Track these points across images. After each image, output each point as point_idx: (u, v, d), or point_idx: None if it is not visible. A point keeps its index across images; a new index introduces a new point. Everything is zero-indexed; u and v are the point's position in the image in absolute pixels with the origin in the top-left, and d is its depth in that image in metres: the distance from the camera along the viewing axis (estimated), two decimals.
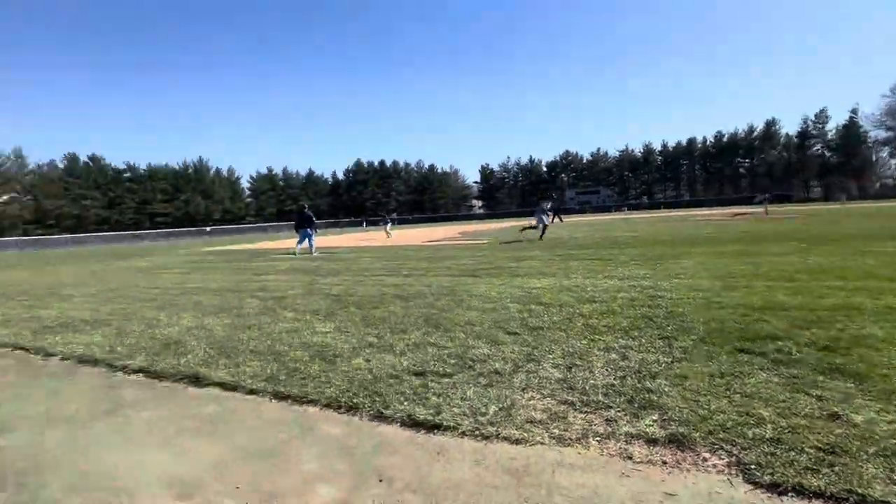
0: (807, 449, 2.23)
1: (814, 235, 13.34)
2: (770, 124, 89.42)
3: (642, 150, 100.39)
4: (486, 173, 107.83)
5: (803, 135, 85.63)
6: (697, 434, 2.45)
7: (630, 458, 2.33)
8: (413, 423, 2.82)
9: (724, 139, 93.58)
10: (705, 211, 50.97)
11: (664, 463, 2.27)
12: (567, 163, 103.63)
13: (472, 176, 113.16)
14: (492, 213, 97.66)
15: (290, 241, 26.20)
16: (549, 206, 19.63)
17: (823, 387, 2.90)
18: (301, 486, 2.28)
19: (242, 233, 64.32)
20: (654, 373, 3.31)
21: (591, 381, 3.23)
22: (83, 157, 73.88)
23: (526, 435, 2.58)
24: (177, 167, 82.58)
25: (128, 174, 77.61)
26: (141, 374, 4.09)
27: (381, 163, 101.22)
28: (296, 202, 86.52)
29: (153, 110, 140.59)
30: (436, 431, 2.72)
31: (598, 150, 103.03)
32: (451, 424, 2.74)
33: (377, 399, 3.15)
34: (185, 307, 6.98)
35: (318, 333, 4.95)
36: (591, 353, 3.81)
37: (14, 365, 4.70)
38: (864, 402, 2.68)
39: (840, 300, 5.03)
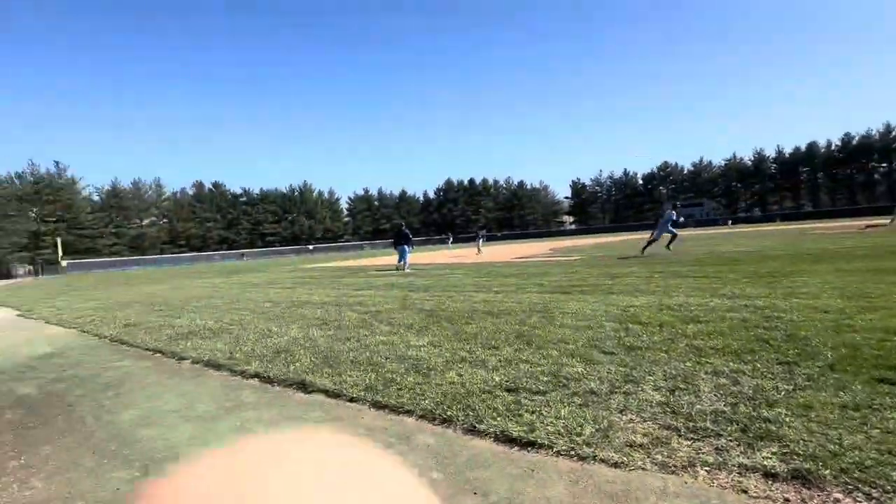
0: None
1: None
2: None
3: (753, 158, 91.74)
4: (577, 188, 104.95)
5: None
6: (828, 472, 2.19)
7: (745, 491, 2.14)
8: (506, 439, 2.82)
9: (854, 141, 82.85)
10: (829, 223, 44.96)
11: (786, 500, 2.06)
12: (665, 174, 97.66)
13: (562, 191, 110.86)
14: (584, 228, 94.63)
15: (384, 258, 27.40)
16: (674, 216, 16.45)
17: None
18: None
19: (341, 250, 68.68)
20: (771, 401, 3.00)
21: (698, 406, 3.01)
22: (207, 184, 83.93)
23: (625, 459, 2.47)
24: (284, 190, 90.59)
25: (244, 198, 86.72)
26: (256, 379, 4.51)
27: (471, 181, 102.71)
28: (389, 220, 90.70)
29: (265, 139, 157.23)
30: (529, 449, 2.70)
31: (701, 159, 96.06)
32: (546, 443, 2.70)
33: (470, 413, 3.20)
34: (292, 319, 7.57)
35: (413, 347, 5.13)
36: (696, 377, 3.55)
37: (154, 367, 5.40)
38: None
39: None
